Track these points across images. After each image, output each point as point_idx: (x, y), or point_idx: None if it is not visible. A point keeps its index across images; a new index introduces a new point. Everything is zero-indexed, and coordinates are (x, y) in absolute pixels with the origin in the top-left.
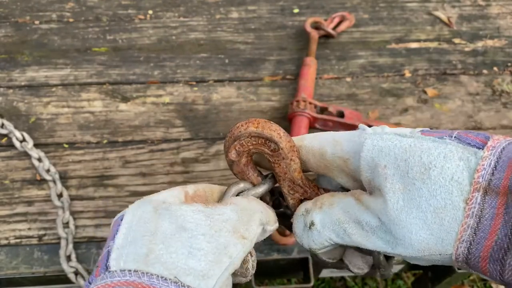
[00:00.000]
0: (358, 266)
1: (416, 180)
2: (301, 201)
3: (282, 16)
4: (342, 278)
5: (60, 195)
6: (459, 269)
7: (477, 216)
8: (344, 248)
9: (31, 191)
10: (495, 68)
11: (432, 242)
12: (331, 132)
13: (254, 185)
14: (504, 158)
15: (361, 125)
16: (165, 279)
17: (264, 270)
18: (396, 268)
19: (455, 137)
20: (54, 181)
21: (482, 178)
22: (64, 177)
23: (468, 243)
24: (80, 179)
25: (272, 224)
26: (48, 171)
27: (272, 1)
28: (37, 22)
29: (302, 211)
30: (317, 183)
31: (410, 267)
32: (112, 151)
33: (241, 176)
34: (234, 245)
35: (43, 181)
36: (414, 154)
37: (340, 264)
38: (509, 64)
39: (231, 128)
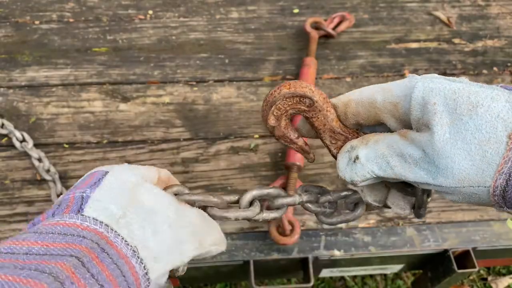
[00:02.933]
0: (401, 206)
1: (464, 116)
2: None
3: (282, 16)
4: (342, 278)
5: (60, 195)
6: (458, 268)
7: None
8: (387, 190)
9: (31, 191)
10: (495, 68)
11: (473, 172)
12: (377, 84)
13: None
14: None
15: (410, 74)
16: (127, 244)
17: (264, 270)
18: (396, 268)
19: (500, 86)
20: (54, 181)
21: None
22: (64, 177)
23: (508, 175)
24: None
25: (222, 247)
26: (48, 171)
27: (272, 1)
28: (37, 22)
29: (348, 147)
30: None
31: (410, 267)
32: (112, 151)
33: (283, 139)
34: (189, 244)
35: (43, 181)
36: (462, 95)
37: (383, 207)
38: (508, 64)
39: (265, 96)
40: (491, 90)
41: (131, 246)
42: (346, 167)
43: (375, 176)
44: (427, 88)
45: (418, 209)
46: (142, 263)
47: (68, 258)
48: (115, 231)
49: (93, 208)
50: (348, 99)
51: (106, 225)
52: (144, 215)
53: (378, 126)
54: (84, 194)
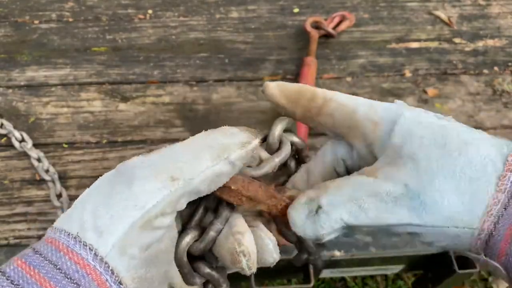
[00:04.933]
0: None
1: (453, 152)
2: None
3: (282, 16)
4: (343, 278)
5: (59, 196)
6: (459, 269)
7: (509, 193)
8: None
9: (31, 191)
10: (495, 68)
11: (462, 210)
12: (366, 99)
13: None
14: None
15: (398, 101)
16: (69, 234)
17: (264, 271)
18: (397, 269)
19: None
20: (53, 181)
21: None
22: (63, 177)
23: (497, 217)
24: (79, 179)
25: (241, 148)
26: (47, 171)
27: (272, 0)
28: (36, 21)
29: (304, 200)
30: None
31: (410, 267)
32: (112, 151)
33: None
34: (151, 191)
35: (42, 181)
36: (452, 133)
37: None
38: (509, 63)
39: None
40: (478, 133)
41: (72, 234)
42: (306, 221)
43: (344, 225)
44: (415, 120)
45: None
46: None
47: None
48: (61, 230)
49: (60, 217)
50: (331, 96)
51: (55, 227)
52: (90, 196)
53: (336, 145)
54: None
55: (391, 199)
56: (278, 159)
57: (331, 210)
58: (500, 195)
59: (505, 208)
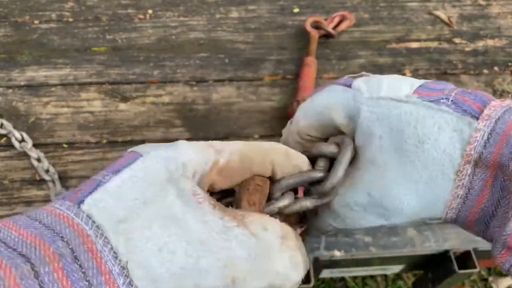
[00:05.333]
0: None
1: (410, 153)
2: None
3: (282, 16)
4: (343, 278)
5: (59, 195)
6: (459, 269)
7: (467, 187)
8: None
9: (31, 191)
10: (495, 68)
11: (423, 209)
12: (319, 95)
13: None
14: (498, 130)
15: (356, 82)
16: (116, 257)
17: None
18: (397, 269)
19: (452, 101)
20: (53, 182)
21: (474, 150)
22: (63, 177)
23: (457, 210)
24: (79, 179)
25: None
26: (47, 171)
27: (272, 0)
28: (36, 21)
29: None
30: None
31: (410, 267)
32: (112, 151)
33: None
34: (213, 279)
35: (42, 181)
36: (409, 124)
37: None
38: (509, 64)
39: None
40: (439, 115)
41: (120, 260)
42: (313, 218)
43: (334, 228)
44: (373, 115)
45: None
46: (132, 285)
47: (20, 263)
48: (105, 237)
49: (94, 202)
50: (296, 129)
51: (97, 227)
52: (154, 222)
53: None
54: (103, 181)
55: (359, 208)
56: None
57: (322, 215)
58: (459, 191)
59: (464, 202)
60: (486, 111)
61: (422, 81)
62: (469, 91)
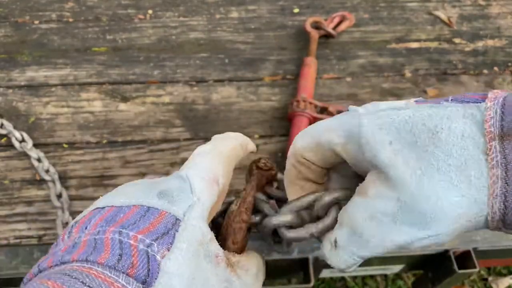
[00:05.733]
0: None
1: (428, 146)
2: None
3: (282, 16)
4: (342, 278)
5: (59, 196)
6: (459, 269)
7: (503, 164)
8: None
9: (31, 191)
10: (495, 68)
11: (466, 204)
12: (322, 121)
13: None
14: (509, 103)
15: (351, 107)
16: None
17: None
18: (396, 269)
19: (451, 100)
20: (53, 182)
21: (493, 126)
22: (63, 177)
23: (503, 196)
24: (79, 179)
25: None
26: (47, 171)
27: (272, 1)
28: (36, 22)
29: (329, 236)
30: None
31: (410, 267)
32: (112, 151)
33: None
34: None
35: (42, 181)
36: (417, 123)
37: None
38: (509, 64)
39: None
40: (443, 109)
41: None
42: (330, 254)
43: (359, 259)
44: (375, 125)
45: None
46: None
47: None
48: None
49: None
50: (293, 151)
51: None
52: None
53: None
54: (151, 252)
55: (389, 219)
56: (315, 229)
57: (344, 246)
58: (496, 171)
59: (507, 183)
60: (490, 95)
61: (416, 99)
62: (467, 93)
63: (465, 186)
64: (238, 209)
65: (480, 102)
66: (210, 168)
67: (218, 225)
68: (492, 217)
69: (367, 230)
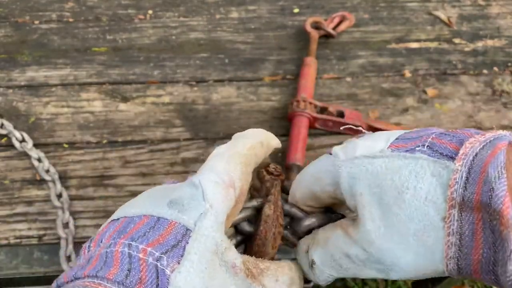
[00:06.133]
0: None
1: (392, 206)
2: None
3: (282, 16)
4: (342, 278)
5: (59, 196)
6: None
7: (458, 233)
8: None
9: (31, 191)
10: (495, 68)
11: (421, 263)
12: (310, 167)
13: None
14: (476, 168)
15: (334, 149)
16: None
17: None
18: None
19: (427, 146)
20: (53, 182)
21: (456, 193)
22: (63, 177)
23: (456, 259)
24: (80, 179)
25: None
26: (47, 171)
27: (272, 1)
28: (36, 22)
29: (304, 248)
30: None
31: None
32: (112, 151)
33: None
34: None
35: (42, 181)
36: (386, 178)
37: None
38: (509, 64)
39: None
40: (414, 162)
41: None
42: (309, 271)
43: (336, 278)
44: (350, 175)
45: None
46: None
47: None
48: None
49: None
50: (294, 200)
51: None
52: None
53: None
54: (160, 267)
55: (360, 262)
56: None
57: (322, 268)
58: (451, 238)
59: (460, 250)
60: (462, 150)
61: (399, 133)
62: (449, 131)
63: (422, 249)
64: (274, 213)
65: (453, 157)
66: (225, 171)
67: (243, 231)
68: (448, 272)
69: (344, 263)
